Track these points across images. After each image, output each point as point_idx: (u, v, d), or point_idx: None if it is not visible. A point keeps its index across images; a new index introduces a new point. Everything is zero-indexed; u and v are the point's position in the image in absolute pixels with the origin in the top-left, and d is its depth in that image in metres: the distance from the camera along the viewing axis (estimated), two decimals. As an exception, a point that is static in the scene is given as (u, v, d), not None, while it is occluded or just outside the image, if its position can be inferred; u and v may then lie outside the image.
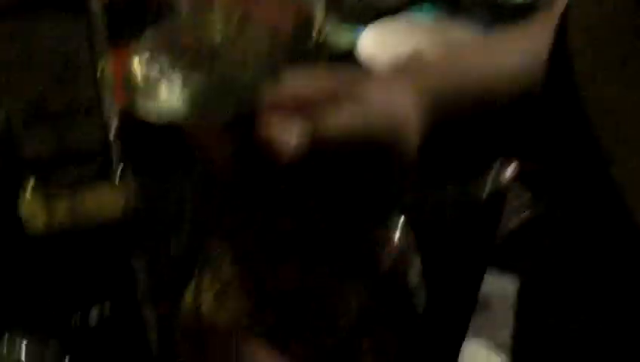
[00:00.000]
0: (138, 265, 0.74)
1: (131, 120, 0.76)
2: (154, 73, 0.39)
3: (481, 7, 1.10)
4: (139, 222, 0.77)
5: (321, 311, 0.48)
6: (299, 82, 0.43)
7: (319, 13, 0.91)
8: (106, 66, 0.69)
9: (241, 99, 0.39)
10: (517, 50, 0.50)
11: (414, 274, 0.50)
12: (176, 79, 0.39)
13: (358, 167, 0.43)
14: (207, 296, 0.52)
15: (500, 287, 0.94)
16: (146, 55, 0.40)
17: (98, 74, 0.69)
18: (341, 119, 0.42)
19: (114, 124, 0.72)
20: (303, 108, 0.41)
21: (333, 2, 0.98)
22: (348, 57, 0.96)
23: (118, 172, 0.75)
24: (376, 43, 0.93)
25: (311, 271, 0.49)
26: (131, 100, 0.39)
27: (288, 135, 0.40)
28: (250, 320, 0.49)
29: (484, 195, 0.80)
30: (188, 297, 0.53)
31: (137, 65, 0.40)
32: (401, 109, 0.45)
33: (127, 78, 0.39)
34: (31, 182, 0.73)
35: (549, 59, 0.43)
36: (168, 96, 0.39)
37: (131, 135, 0.77)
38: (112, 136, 0.73)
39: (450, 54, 0.55)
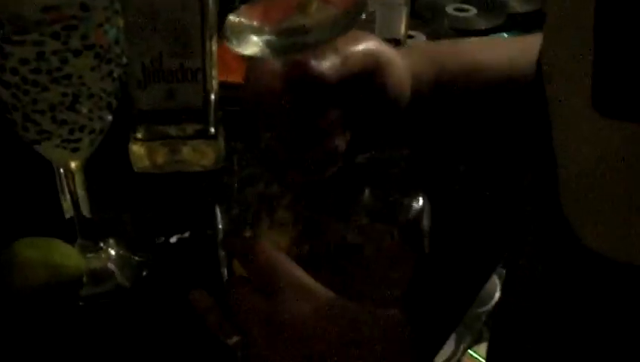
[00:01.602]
0: (219, 207, 0.88)
1: (229, 90, 0.92)
2: (245, 24, 0.55)
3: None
4: (225, 173, 0.91)
5: (352, 247, 0.62)
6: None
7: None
8: (213, 42, 0.84)
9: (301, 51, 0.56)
10: (518, 49, 0.62)
11: (426, 227, 0.64)
12: (260, 32, 0.55)
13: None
14: (262, 231, 0.67)
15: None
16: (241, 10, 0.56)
17: (206, 47, 0.83)
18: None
19: (214, 90, 0.87)
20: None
21: (425, 27, 1.12)
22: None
23: (213, 130, 0.89)
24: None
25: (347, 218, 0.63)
26: (227, 39, 0.55)
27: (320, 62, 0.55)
28: (293, 251, 0.64)
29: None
30: (246, 232, 0.68)
31: (234, 17, 0.56)
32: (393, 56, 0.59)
33: (225, 23, 0.56)
34: (141, 130, 0.88)
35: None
36: (252, 42, 0.55)
37: (227, 102, 0.92)
38: (211, 100, 0.87)
39: (455, 42, 0.67)
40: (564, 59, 0.42)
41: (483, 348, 1.33)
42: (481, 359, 1.31)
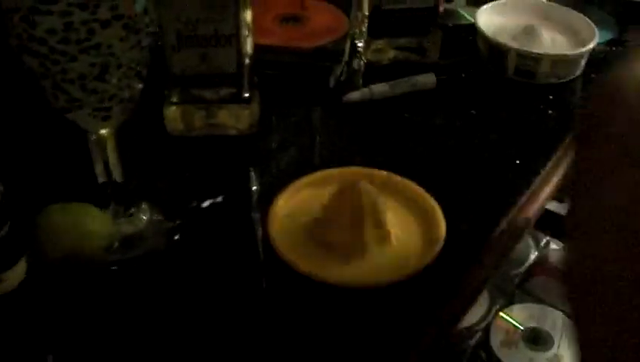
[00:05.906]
0: (252, 173, 0.88)
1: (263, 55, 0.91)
2: None
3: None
4: (258, 138, 0.91)
5: None
6: None
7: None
8: (248, 8, 0.83)
9: None
10: None
11: None
12: None
13: None
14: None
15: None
16: None
17: (240, 13, 0.83)
18: None
19: (248, 54, 0.86)
20: None
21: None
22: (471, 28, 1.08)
23: (247, 95, 0.89)
24: (491, 18, 1.04)
25: None
26: None
27: None
28: None
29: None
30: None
31: None
32: None
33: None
34: (175, 93, 0.89)
35: None
36: None
37: (263, 65, 0.92)
38: (245, 64, 0.87)
39: None
40: None
41: (515, 310, 1.33)
42: (512, 321, 1.31)
